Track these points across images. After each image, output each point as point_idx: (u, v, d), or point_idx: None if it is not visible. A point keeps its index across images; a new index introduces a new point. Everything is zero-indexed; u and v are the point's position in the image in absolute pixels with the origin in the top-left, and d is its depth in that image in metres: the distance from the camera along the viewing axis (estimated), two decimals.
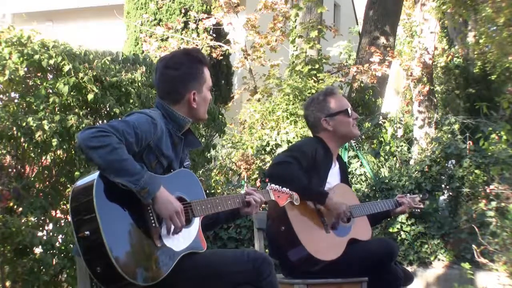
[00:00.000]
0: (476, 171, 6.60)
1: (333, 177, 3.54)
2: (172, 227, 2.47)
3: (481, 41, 11.48)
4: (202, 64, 2.77)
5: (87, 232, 2.30)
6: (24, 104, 4.35)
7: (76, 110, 4.36)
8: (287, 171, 3.25)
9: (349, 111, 3.55)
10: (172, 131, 2.67)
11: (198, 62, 2.76)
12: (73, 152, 4.43)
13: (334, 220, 3.36)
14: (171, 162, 2.65)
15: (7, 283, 4.32)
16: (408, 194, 3.89)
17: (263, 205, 2.96)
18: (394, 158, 7.45)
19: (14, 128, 4.13)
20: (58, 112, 4.25)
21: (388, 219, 5.74)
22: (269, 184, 3.04)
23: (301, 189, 3.17)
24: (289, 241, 3.24)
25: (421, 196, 3.93)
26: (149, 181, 2.38)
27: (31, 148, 4.35)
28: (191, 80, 2.72)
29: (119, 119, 2.62)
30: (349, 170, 7.21)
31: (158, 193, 2.41)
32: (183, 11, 10.80)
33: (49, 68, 4.40)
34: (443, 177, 6.80)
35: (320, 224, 3.34)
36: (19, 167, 4.46)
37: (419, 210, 3.90)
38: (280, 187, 3.02)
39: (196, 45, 9.84)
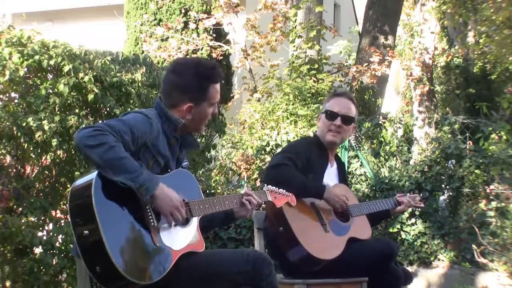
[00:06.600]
0: (476, 171, 6.60)
1: (331, 177, 3.54)
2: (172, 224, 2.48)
3: (481, 41, 11.50)
4: (209, 81, 2.67)
5: (86, 232, 2.30)
6: (24, 104, 4.35)
7: (77, 110, 4.36)
8: (284, 173, 3.25)
9: (331, 114, 3.51)
10: (167, 131, 2.66)
11: (204, 78, 2.66)
12: (73, 152, 4.42)
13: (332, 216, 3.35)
14: (168, 161, 2.65)
15: (7, 283, 4.32)
16: (408, 194, 3.89)
17: (262, 205, 2.95)
18: (394, 158, 7.44)
19: (14, 128, 4.12)
20: (58, 112, 4.24)
21: (388, 219, 5.74)
22: (265, 185, 3.04)
23: (299, 187, 3.16)
24: (288, 242, 3.24)
25: (421, 195, 3.93)
26: (147, 178, 2.39)
27: (31, 148, 4.35)
28: (189, 92, 2.65)
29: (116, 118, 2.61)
30: (349, 170, 7.21)
31: (157, 190, 2.42)
32: (183, 11, 10.79)
33: (49, 68, 4.39)
34: (443, 177, 6.80)
35: (319, 223, 3.33)
36: (19, 167, 4.45)
37: (419, 209, 3.90)
38: (277, 188, 3.01)
39: (196, 45, 9.85)
